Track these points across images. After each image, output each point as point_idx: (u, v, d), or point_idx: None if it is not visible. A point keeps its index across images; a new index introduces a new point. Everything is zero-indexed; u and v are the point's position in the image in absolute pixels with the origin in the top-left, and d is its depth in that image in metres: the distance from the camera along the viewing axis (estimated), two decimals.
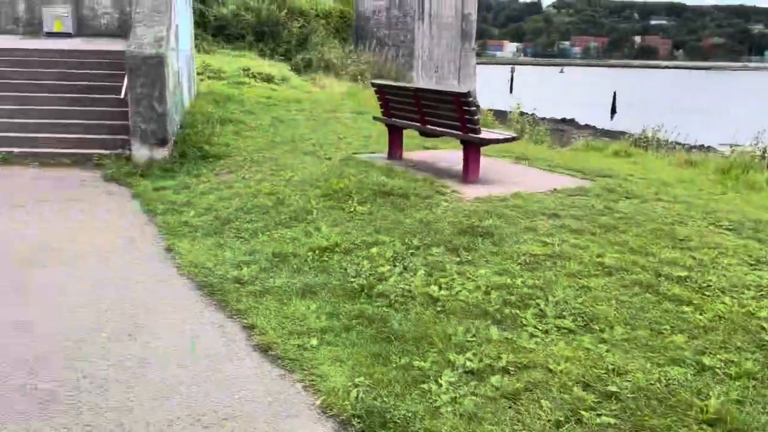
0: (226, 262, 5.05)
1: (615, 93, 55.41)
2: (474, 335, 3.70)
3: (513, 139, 6.78)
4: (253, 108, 12.57)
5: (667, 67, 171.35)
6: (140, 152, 8.60)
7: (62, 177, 8.10)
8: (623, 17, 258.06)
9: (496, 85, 75.32)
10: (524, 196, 6.18)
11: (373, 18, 46.05)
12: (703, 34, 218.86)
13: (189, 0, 12.34)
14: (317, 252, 5.09)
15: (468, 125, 6.46)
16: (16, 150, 8.82)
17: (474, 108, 6.34)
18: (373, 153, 8.71)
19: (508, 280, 4.33)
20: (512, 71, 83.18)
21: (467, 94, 6.28)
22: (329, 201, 6.36)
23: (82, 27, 13.71)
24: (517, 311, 3.96)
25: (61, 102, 9.90)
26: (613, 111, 54.39)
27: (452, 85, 51.74)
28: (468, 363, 3.41)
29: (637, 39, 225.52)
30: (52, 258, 5.19)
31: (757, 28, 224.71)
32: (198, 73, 14.91)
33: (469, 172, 6.68)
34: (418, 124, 7.34)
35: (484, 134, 6.57)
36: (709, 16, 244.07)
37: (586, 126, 38.79)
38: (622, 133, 32.47)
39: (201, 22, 22.14)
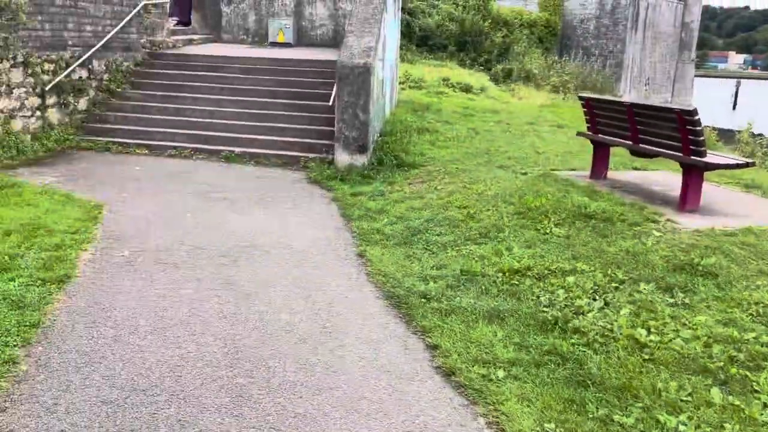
0: (414, 275, 4.99)
1: None
2: (690, 394, 3.18)
3: (746, 165, 5.86)
4: (450, 118, 12.58)
5: None
6: (342, 157, 8.98)
7: (272, 177, 8.74)
8: None
9: (717, 101, 68.08)
10: (757, 233, 5.30)
11: (580, 27, 44.12)
12: None
13: (398, 11, 12.73)
14: (507, 274, 4.81)
15: (691, 147, 5.72)
16: (237, 150, 9.72)
17: (699, 128, 5.59)
18: (573, 170, 8.17)
19: (736, 333, 3.68)
20: (737, 85, 74.55)
21: (693, 112, 5.55)
22: (523, 219, 6.03)
23: (301, 37, 14.82)
24: (747, 373, 3.33)
25: (276, 107, 10.74)
26: None
27: (664, 99, 47.81)
28: (682, 428, 2.91)
29: None
30: (258, 253, 5.54)
31: None
32: (400, 83, 15.34)
33: (687, 200, 5.91)
34: (629, 142, 6.70)
35: (710, 158, 5.76)
36: None
37: None
38: None
39: (406, 33, 22.81)
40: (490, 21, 31.46)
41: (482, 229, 5.92)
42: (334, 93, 9.38)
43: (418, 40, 26.49)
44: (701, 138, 5.60)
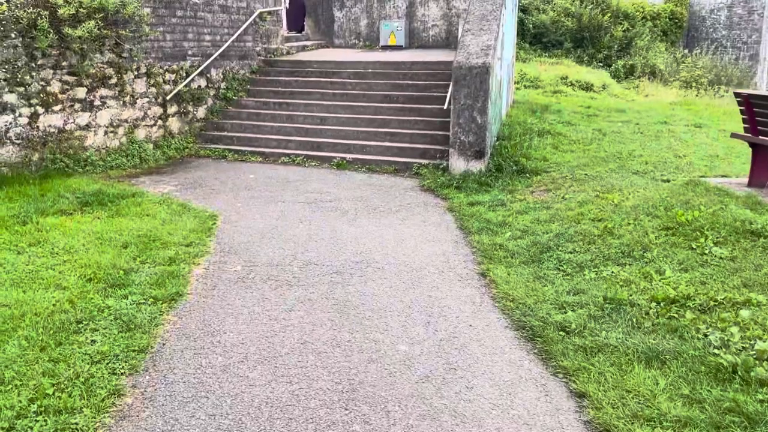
0: (548, 300, 4.38)
1: None
2: None
3: None
4: (572, 118, 11.70)
5: None
6: (457, 164, 8.46)
7: (384, 185, 8.38)
8: None
9: None
10: None
11: (709, 17, 40.71)
12: None
13: (515, 7, 12.02)
14: (662, 304, 4.09)
15: None
16: (348, 156, 9.47)
17: None
18: (725, 177, 7.16)
19: None
20: None
21: None
22: (672, 236, 5.23)
23: (413, 39, 14.45)
24: None
25: (388, 111, 10.40)
26: None
27: None
28: None
29: None
30: (371, 269, 5.16)
31: None
32: (515, 82, 14.58)
33: None
34: None
35: None
36: None
37: None
38: None
39: (519, 31, 21.92)
40: (609, 14, 29.68)
41: (623, 246, 5.19)
42: (449, 95, 8.88)
43: (532, 37, 25.42)
44: None
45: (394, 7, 14.45)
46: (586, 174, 7.80)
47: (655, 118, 12.48)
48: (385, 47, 14.26)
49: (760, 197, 5.93)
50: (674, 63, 24.65)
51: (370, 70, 11.71)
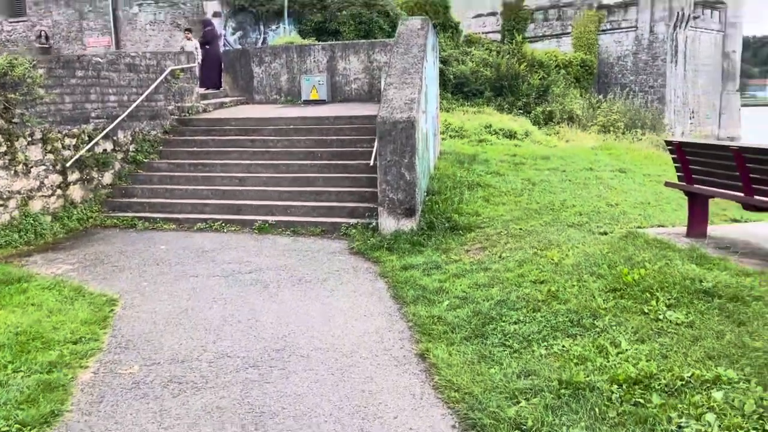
0: (497, 388, 3.83)
1: None
2: None
3: None
4: (500, 168, 11.52)
5: None
6: (387, 223, 7.96)
7: (310, 249, 7.75)
8: None
9: (763, 130, 65.57)
10: None
11: (617, 64, 43.08)
12: None
13: (436, 59, 11.90)
14: (624, 386, 3.62)
15: None
16: (271, 219, 8.81)
17: None
18: (661, 227, 6.96)
19: None
20: None
21: None
22: (621, 299, 4.84)
23: (336, 93, 14.12)
24: None
25: (312, 169, 9.86)
26: None
27: (711, 132, 45.90)
28: None
29: None
30: (294, 359, 4.48)
31: None
32: (440, 133, 14.42)
33: None
34: (739, 194, 5.50)
35: None
36: None
37: None
38: None
39: (441, 81, 22.13)
40: (525, 64, 30.74)
41: (571, 314, 4.75)
42: (374, 151, 8.45)
43: (453, 87, 25.82)
44: None
45: (314, 61, 14.12)
46: (521, 229, 7.46)
47: (580, 164, 12.50)
48: (308, 102, 13.85)
49: (703, 249, 5.69)
50: (590, 108, 25.53)
51: (292, 126, 11.20)
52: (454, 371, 4.11)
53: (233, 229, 8.75)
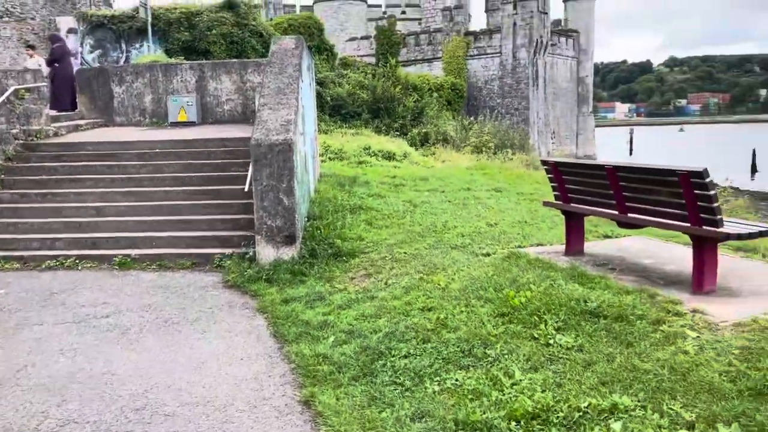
0: None
1: (754, 151, 50.40)
2: None
3: None
4: (381, 190, 11.36)
5: None
6: (265, 252, 7.44)
7: (179, 285, 7.04)
8: (744, 71, 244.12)
9: (614, 148, 71.69)
10: None
11: (485, 88, 45.24)
12: None
13: (313, 80, 11.58)
14: (523, 422, 3.40)
15: (703, 215, 4.65)
16: (134, 252, 7.97)
17: (713, 192, 4.54)
18: (541, 246, 7.02)
19: None
20: (631, 132, 79.25)
21: (703, 173, 4.51)
22: (511, 324, 4.70)
23: (207, 114, 13.35)
24: None
25: (181, 196, 9.12)
26: (754, 170, 49.31)
27: (570, 151, 49.30)
28: None
29: (763, 92, 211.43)
30: (158, 421, 3.86)
31: None
32: (320, 155, 14.07)
33: (704, 280, 4.80)
34: (614, 211, 5.61)
35: (731, 226, 4.71)
36: None
37: None
38: None
39: (318, 103, 21.90)
40: (400, 87, 31.35)
41: (462, 342, 4.52)
42: (249, 176, 7.91)
43: (331, 109, 25.71)
44: (715, 204, 4.54)
45: (182, 81, 13.28)
46: (405, 253, 7.24)
47: (457, 184, 12.66)
48: (176, 124, 12.96)
49: (583, 268, 5.73)
50: (462, 130, 26.40)
51: (157, 150, 10.35)
52: (343, 419, 3.71)
53: (89, 265, 7.81)
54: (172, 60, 15.09)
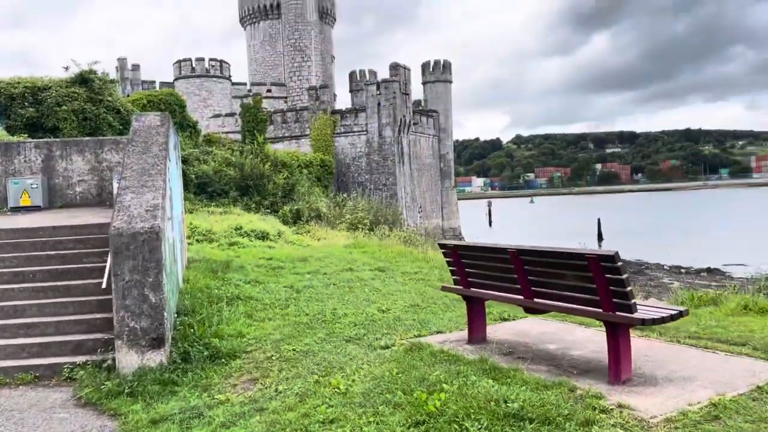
0: None
1: (599, 220, 55.20)
2: None
3: (681, 315, 4.74)
4: (258, 275, 10.55)
5: (630, 190, 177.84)
6: (128, 359, 6.34)
7: (17, 407, 5.74)
8: (580, 147, 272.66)
9: (475, 219, 75.48)
10: (728, 407, 4.05)
11: (353, 164, 45.93)
12: (659, 158, 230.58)
13: (179, 158, 10.73)
14: None
15: (616, 300, 4.47)
16: None
17: (624, 276, 4.38)
18: (441, 333, 6.61)
19: None
20: (489, 205, 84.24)
21: (613, 257, 4.35)
22: None
23: (55, 198, 11.90)
24: None
25: (22, 294, 7.75)
26: (600, 238, 53.85)
27: (437, 224, 51.00)
28: None
29: (598, 166, 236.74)
30: None
31: (707, 148, 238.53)
32: (187, 237, 12.99)
33: (621, 370, 4.57)
34: (519, 296, 5.34)
35: (644, 311, 4.56)
36: (660, 141, 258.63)
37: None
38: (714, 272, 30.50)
39: (183, 181, 20.78)
40: (269, 164, 30.86)
41: None
42: (108, 269, 6.86)
43: (196, 187, 24.53)
44: (629, 288, 4.39)
45: (25, 161, 11.80)
46: (294, 350, 6.49)
47: (338, 264, 12.15)
48: (17, 209, 11.38)
49: (492, 359, 5.35)
50: (336, 206, 26.19)
51: None
52: None
53: None
54: (14, 138, 13.49)
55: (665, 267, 35.32)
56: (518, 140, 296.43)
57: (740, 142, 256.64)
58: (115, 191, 12.02)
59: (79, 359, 6.72)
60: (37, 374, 6.58)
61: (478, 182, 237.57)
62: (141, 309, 6.40)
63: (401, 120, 44.59)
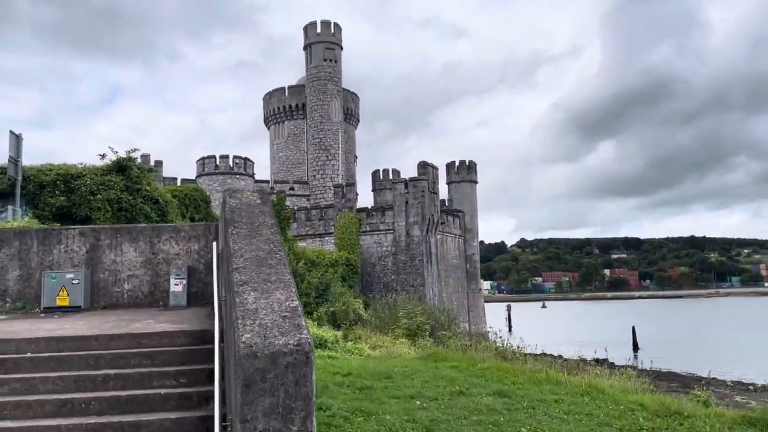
0: None
1: (633, 328, 51.88)
2: None
3: None
4: (351, 401, 8.11)
5: (641, 296, 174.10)
6: None
7: None
8: (585, 252, 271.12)
9: (493, 324, 71.93)
10: None
11: (379, 264, 43.72)
12: (665, 265, 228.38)
13: None
14: None
15: None
16: None
17: None
18: None
19: None
20: (509, 309, 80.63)
21: None
22: None
23: (98, 296, 9.60)
24: None
25: None
26: (636, 347, 50.30)
27: (464, 328, 48.12)
28: None
29: (606, 272, 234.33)
30: None
31: (713, 256, 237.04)
32: None
33: None
34: None
35: None
36: (665, 248, 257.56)
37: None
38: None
39: None
40: (302, 261, 28.78)
41: None
42: (217, 410, 4.53)
43: None
44: None
45: (66, 251, 9.66)
46: None
47: (438, 385, 9.73)
48: (51, 310, 9.10)
49: None
50: (386, 309, 23.69)
51: (28, 355, 6.54)
52: None
53: None
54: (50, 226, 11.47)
55: (728, 383, 31.95)
56: (523, 244, 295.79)
57: (746, 250, 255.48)
58: (172, 288, 9.81)
59: None
60: None
61: (484, 285, 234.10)
62: None
63: (429, 219, 42.91)
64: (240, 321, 4.44)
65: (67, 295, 9.21)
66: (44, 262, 9.56)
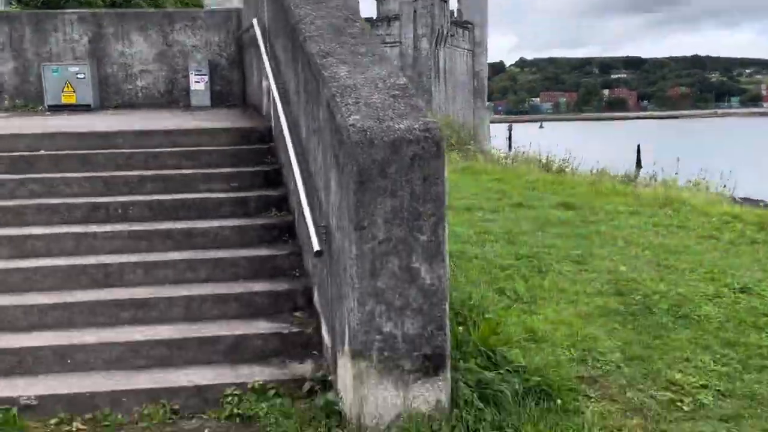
0: None
1: (639, 146, 51.53)
2: None
3: None
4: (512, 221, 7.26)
5: (639, 117, 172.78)
6: (375, 394, 3.11)
7: None
8: (584, 72, 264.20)
9: (494, 144, 71.49)
10: None
11: None
12: (666, 85, 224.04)
13: None
14: None
15: None
16: (23, 396, 3.27)
17: None
18: None
19: None
20: (510, 129, 79.87)
21: None
22: None
23: (109, 94, 8.31)
24: None
25: (112, 245, 4.43)
26: (639, 165, 50.32)
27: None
28: None
29: (605, 92, 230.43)
30: None
31: (714, 76, 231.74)
32: None
33: None
34: None
35: None
36: (667, 68, 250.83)
37: None
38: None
39: None
40: None
41: None
42: (311, 221, 3.54)
43: None
44: None
45: (65, 40, 8.14)
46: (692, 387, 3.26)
47: (491, 197, 8.90)
48: (58, 108, 7.85)
49: None
50: None
51: (42, 152, 5.45)
52: None
53: None
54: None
55: (737, 199, 32.05)
56: (522, 63, 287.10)
57: (748, 70, 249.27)
58: (192, 86, 8.51)
59: (246, 374, 3.54)
60: (174, 410, 3.38)
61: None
62: (406, 297, 3.11)
63: (439, 31, 40.12)
64: (339, 99, 3.25)
65: (73, 91, 7.92)
66: (41, 54, 8.11)
